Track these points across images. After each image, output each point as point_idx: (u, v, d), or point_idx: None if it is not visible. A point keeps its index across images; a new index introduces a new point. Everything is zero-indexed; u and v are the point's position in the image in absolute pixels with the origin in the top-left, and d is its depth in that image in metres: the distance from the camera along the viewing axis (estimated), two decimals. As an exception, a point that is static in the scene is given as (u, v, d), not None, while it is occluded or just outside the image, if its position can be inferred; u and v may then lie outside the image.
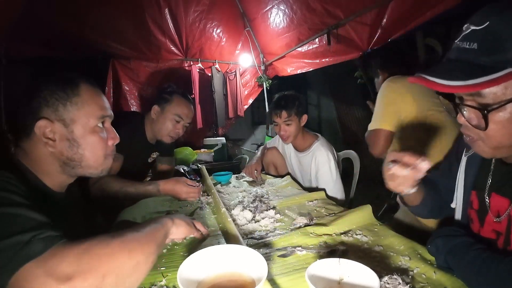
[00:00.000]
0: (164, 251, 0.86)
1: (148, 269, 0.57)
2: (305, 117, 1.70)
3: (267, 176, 1.90)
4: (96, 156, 0.74)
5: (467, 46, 0.56)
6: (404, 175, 0.70)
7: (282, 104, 1.66)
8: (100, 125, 0.75)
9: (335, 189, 1.62)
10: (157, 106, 1.54)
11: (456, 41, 0.60)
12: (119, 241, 0.52)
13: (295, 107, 1.65)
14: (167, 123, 1.54)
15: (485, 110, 0.55)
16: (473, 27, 0.56)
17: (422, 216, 0.95)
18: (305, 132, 1.77)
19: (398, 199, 0.94)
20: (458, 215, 0.82)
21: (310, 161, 1.68)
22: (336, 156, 1.69)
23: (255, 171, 1.76)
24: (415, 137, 1.33)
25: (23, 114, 0.69)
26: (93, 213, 1.00)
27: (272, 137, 2.51)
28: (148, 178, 1.88)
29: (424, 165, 0.68)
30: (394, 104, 1.34)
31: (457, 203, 0.82)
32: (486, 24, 0.54)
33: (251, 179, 1.77)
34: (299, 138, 1.74)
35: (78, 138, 0.71)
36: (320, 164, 1.63)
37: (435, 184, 0.94)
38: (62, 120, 0.69)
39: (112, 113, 0.80)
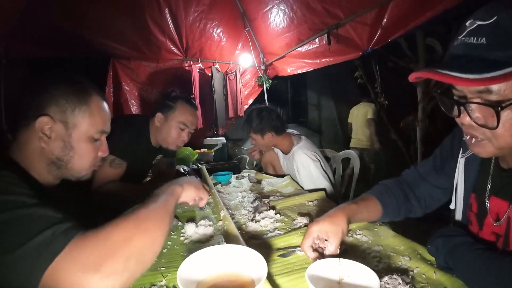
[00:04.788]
0: (164, 251, 0.86)
1: (163, 241, 0.59)
2: (268, 136, 1.69)
3: (266, 175, 1.90)
4: (83, 162, 0.78)
5: (475, 41, 0.54)
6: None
7: (243, 124, 1.78)
8: (97, 137, 0.79)
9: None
10: (161, 114, 1.49)
11: (460, 37, 0.57)
12: (134, 224, 0.54)
13: (251, 128, 1.71)
14: (172, 131, 1.49)
15: (498, 107, 0.53)
16: (479, 22, 0.54)
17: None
18: (286, 136, 1.76)
19: None
20: (458, 217, 0.82)
21: (292, 163, 1.70)
22: (320, 157, 1.68)
23: (256, 152, 1.89)
24: None
25: (28, 104, 0.70)
26: (85, 213, 0.99)
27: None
28: (148, 178, 1.88)
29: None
30: None
31: (457, 204, 0.82)
32: (494, 19, 0.52)
33: (251, 173, 1.84)
34: (280, 143, 1.76)
35: (74, 142, 0.74)
36: (300, 168, 1.64)
37: (399, 186, 0.92)
38: (65, 122, 0.72)
39: (110, 129, 0.84)
